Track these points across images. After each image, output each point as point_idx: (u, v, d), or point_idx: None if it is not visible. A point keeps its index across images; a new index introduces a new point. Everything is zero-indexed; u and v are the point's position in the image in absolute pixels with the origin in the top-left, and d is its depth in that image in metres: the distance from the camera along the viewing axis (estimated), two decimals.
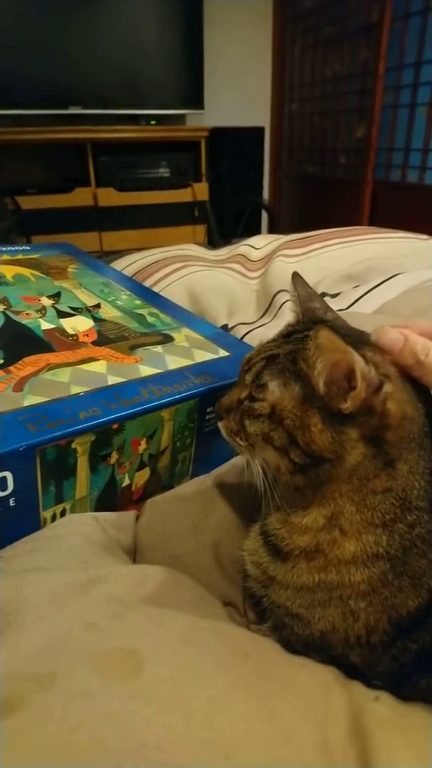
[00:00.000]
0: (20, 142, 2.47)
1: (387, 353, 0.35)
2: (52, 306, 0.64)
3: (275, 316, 0.90)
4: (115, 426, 0.45)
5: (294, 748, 0.27)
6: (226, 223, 2.95)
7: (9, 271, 0.73)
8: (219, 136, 2.80)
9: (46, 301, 0.65)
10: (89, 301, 0.68)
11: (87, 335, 0.58)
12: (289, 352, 0.36)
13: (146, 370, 0.52)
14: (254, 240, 1.20)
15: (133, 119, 2.74)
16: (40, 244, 0.92)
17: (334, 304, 0.84)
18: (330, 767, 0.27)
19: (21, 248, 0.87)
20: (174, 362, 0.55)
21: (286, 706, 0.29)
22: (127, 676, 0.28)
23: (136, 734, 0.25)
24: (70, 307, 0.64)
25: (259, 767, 0.26)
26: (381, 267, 0.97)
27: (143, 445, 0.49)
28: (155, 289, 0.91)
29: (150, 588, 0.36)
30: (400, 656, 0.34)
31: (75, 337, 0.57)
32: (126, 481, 0.49)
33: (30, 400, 0.45)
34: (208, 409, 0.52)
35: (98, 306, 0.66)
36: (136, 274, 1.02)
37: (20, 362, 0.50)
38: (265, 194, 3.45)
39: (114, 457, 0.46)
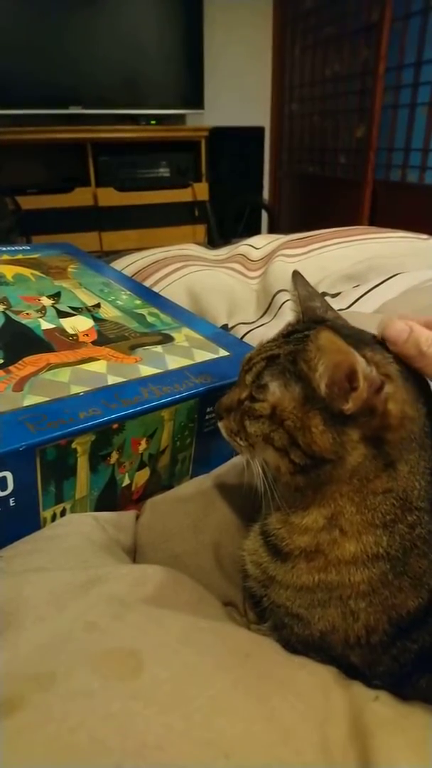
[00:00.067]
0: (20, 142, 2.47)
1: (392, 343, 0.35)
2: (52, 306, 0.64)
3: (275, 315, 0.90)
4: (115, 426, 0.45)
5: (294, 748, 0.27)
6: (226, 223, 2.95)
7: (9, 271, 0.73)
8: (219, 136, 2.80)
9: (46, 301, 0.65)
10: (89, 300, 0.68)
11: (87, 335, 0.58)
12: (289, 353, 0.36)
13: (146, 370, 0.52)
14: (254, 240, 1.20)
15: (133, 119, 2.74)
16: (40, 244, 0.92)
17: (335, 304, 0.84)
18: (330, 767, 0.27)
19: (21, 248, 0.87)
20: (174, 362, 0.55)
21: (286, 706, 0.29)
22: (127, 676, 0.28)
23: (137, 734, 0.25)
24: (70, 307, 0.64)
25: (259, 767, 0.26)
26: (381, 267, 0.97)
27: (143, 444, 0.49)
28: (155, 288, 0.91)
29: (150, 588, 0.36)
30: (400, 656, 0.34)
31: (75, 337, 0.57)
32: (126, 481, 0.49)
33: (30, 399, 0.45)
34: (208, 409, 0.52)
35: (98, 306, 0.66)
36: (136, 274, 1.02)
37: (20, 362, 0.50)
38: (265, 194, 3.45)
39: (114, 457, 0.46)
